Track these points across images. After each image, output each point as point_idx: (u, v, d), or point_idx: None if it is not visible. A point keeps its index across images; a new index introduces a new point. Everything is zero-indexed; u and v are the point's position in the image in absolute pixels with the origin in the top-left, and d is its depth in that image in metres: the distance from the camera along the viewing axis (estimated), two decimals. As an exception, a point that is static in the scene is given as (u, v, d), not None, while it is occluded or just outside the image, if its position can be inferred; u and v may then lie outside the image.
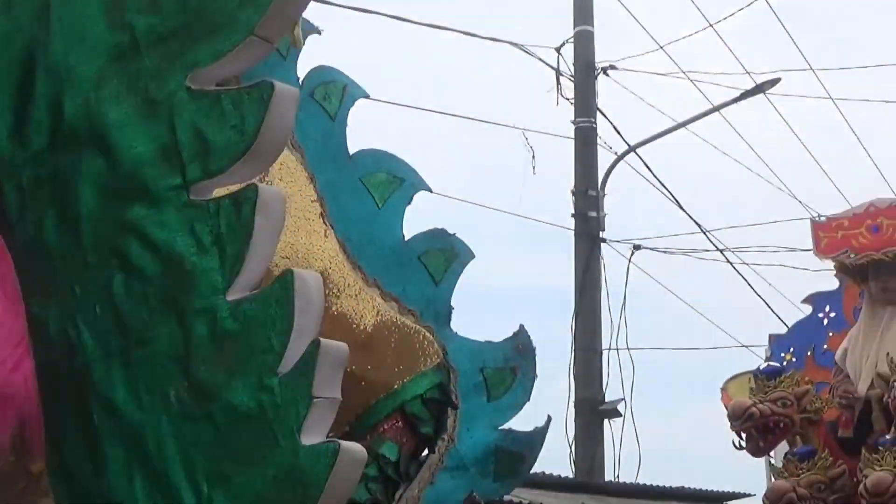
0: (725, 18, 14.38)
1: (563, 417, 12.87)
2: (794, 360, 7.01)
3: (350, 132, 4.02)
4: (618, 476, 13.38)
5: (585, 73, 13.23)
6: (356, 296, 3.69)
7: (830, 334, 6.78)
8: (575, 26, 13.21)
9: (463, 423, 4.06)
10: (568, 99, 13.29)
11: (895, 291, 6.31)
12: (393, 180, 3.99)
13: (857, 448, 5.79)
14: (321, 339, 2.32)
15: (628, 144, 13.83)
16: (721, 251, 14.50)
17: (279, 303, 2.32)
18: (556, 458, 13.02)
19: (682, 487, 13.40)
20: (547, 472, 11.27)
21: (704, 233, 14.29)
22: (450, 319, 4.09)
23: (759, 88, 13.67)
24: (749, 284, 14.46)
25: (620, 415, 13.33)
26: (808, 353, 6.95)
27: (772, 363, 6.17)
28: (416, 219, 4.15)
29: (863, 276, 6.47)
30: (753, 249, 14.65)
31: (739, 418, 5.81)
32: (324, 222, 3.71)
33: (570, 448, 13.00)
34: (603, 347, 13.49)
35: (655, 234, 14.70)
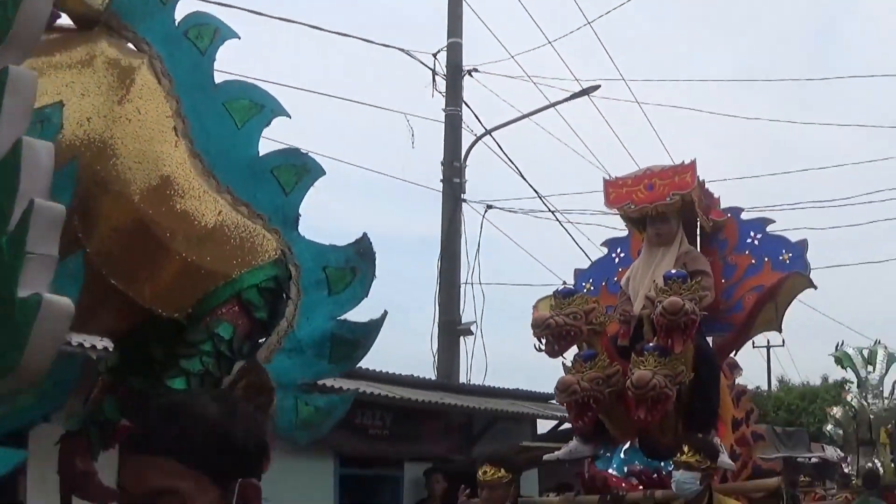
0: (563, 37, 14.65)
1: (430, 334, 13.11)
2: (591, 288, 6.67)
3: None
4: (469, 379, 13.51)
5: (454, 74, 13.28)
6: (199, 197, 3.15)
7: (620, 269, 6.44)
8: (448, 38, 13.26)
9: (303, 313, 3.55)
10: (441, 92, 13.37)
11: (666, 236, 6.02)
12: (253, 106, 3.46)
13: (631, 354, 5.49)
14: (35, 199, 1.87)
15: (485, 128, 13.94)
16: (552, 212, 14.89)
17: (10, 169, 1.89)
18: (423, 366, 13.57)
19: (517, 388, 13.47)
20: (416, 375, 11.31)
21: (541, 198, 14.44)
22: (297, 225, 3.57)
23: (584, 92, 13.82)
24: (572, 237, 14.71)
25: (472, 333, 13.48)
26: (603, 284, 6.61)
27: (567, 286, 5.79)
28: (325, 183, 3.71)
29: (642, 224, 6.18)
30: (576, 212, 15.19)
31: (539, 327, 5.42)
32: (176, 135, 3.18)
33: (434, 358, 13.05)
34: (461, 282, 13.53)
35: (505, 197, 15.16)
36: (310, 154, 3.75)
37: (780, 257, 6.13)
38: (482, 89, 14.73)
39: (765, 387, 35.57)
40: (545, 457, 6.06)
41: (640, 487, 5.28)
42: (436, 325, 13.11)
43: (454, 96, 13.30)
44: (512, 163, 14.15)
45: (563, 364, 5.61)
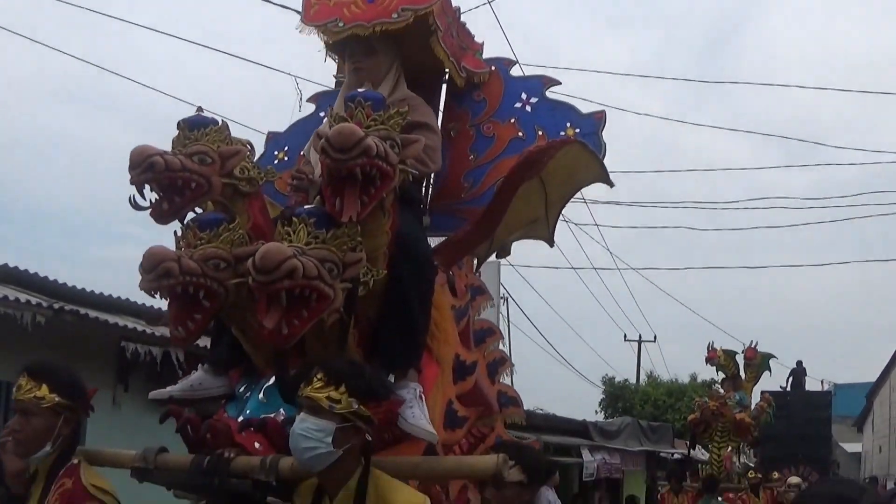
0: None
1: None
2: (286, 158, 4.50)
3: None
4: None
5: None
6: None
7: (327, 131, 4.24)
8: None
9: None
10: (333, 57, 12.23)
11: (370, 73, 3.84)
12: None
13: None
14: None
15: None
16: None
17: None
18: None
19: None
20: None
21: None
22: None
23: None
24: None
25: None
26: (302, 154, 4.43)
27: (203, 114, 3.50)
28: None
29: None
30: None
31: (138, 167, 3.12)
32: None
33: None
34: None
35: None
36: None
37: (562, 132, 4.10)
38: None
39: (633, 380, 35.11)
40: (151, 394, 3.73)
41: (259, 447, 3.10)
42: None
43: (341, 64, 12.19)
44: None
45: (175, 234, 3.35)
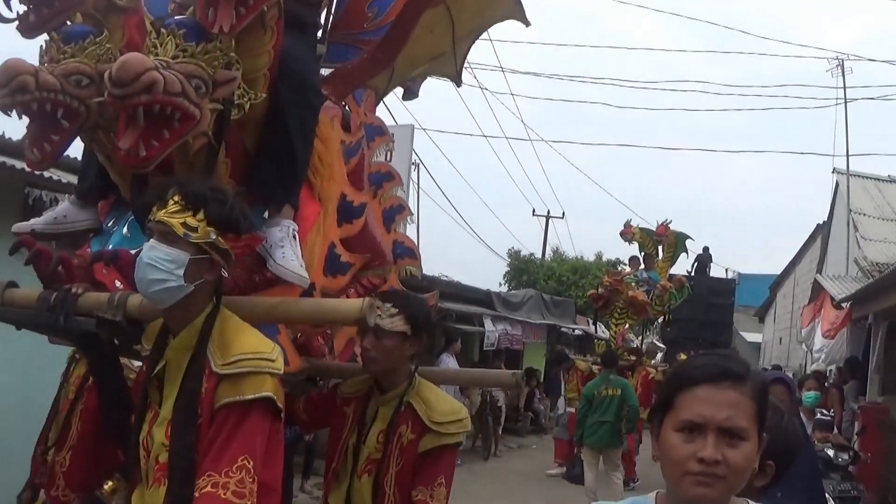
0: None
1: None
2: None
3: None
4: None
5: None
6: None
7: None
8: None
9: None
10: None
11: None
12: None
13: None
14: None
15: None
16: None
17: None
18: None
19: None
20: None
21: None
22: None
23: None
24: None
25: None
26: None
27: None
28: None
29: None
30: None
31: None
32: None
33: None
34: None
35: None
36: None
37: None
38: None
39: (539, 255, 35.39)
40: (14, 227, 3.41)
41: (120, 286, 2.87)
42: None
43: None
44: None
45: (40, 49, 3.03)
